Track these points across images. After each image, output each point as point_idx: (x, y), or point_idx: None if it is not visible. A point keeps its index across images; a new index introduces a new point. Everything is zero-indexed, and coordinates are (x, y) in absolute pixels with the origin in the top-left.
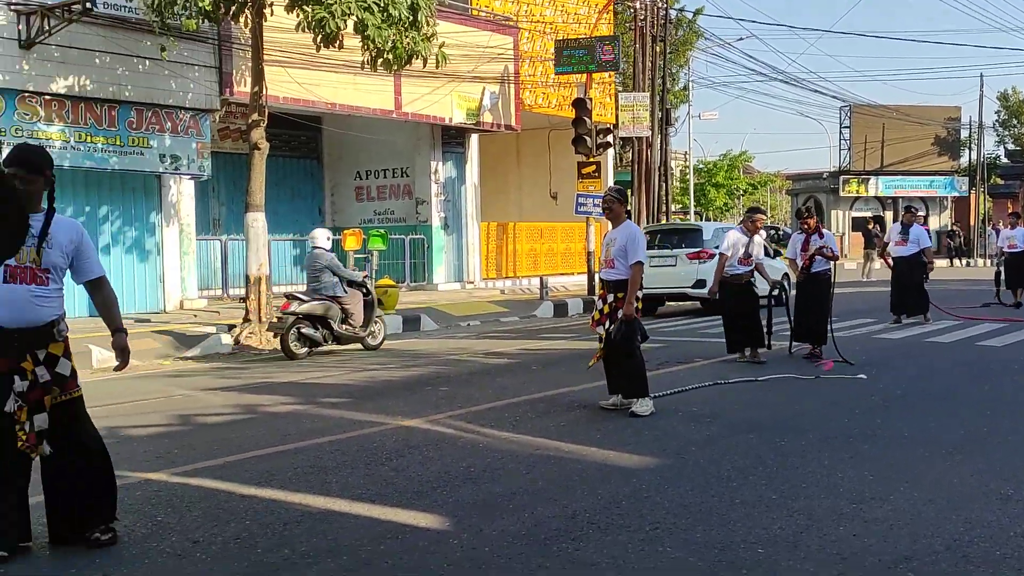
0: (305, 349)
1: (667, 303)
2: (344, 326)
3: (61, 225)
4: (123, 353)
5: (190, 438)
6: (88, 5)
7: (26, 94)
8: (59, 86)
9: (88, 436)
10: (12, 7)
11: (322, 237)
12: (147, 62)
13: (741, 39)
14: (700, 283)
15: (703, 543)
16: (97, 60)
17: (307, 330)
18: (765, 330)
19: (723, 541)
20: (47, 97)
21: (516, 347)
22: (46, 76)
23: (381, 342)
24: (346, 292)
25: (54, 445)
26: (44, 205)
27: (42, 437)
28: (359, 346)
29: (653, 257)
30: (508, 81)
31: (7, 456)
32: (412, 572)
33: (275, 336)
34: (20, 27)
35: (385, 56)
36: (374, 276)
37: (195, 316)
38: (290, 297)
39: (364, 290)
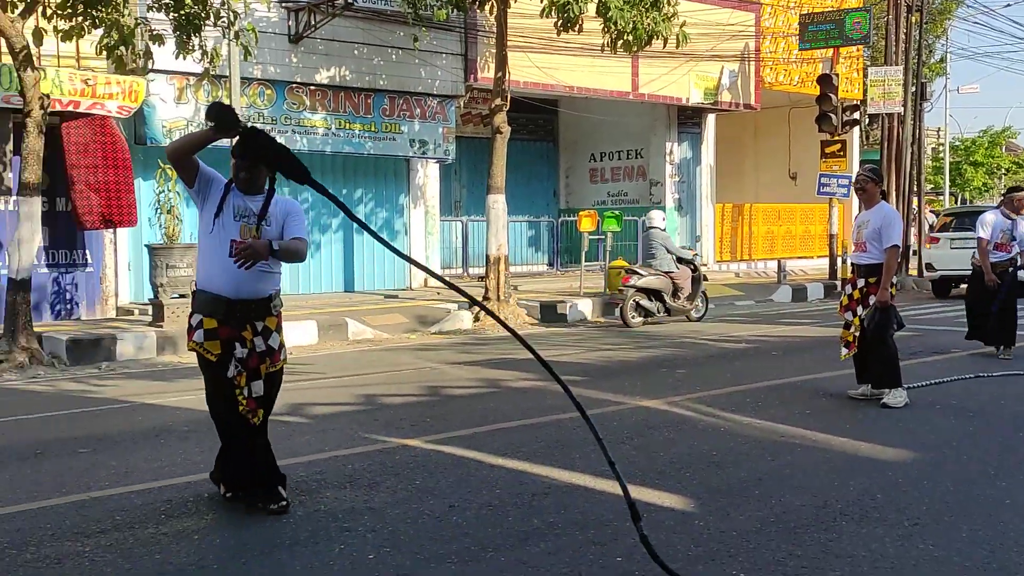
0: (640, 319)
1: (960, 286)
2: (674, 299)
3: (280, 204)
4: (247, 243)
5: (440, 408)
6: (350, 0)
7: (294, 85)
8: (322, 77)
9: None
10: (283, 4)
11: (658, 218)
12: (399, 52)
13: (1009, 5)
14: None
15: (969, 542)
16: (355, 52)
17: (644, 302)
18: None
19: (992, 542)
20: (312, 88)
21: (753, 332)
22: (311, 68)
23: (703, 315)
24: (677, 268)
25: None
26: (266, 187)
27: (259, 403)
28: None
29: (953, 239)
30: (748, 59)
31: (233, 419)
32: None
33: (615, 306)
34: (290, 23)
35: (625, 38)
36: (608, 258)
37: (438, 294)
38: (629, 272)
39: (692, 267)
